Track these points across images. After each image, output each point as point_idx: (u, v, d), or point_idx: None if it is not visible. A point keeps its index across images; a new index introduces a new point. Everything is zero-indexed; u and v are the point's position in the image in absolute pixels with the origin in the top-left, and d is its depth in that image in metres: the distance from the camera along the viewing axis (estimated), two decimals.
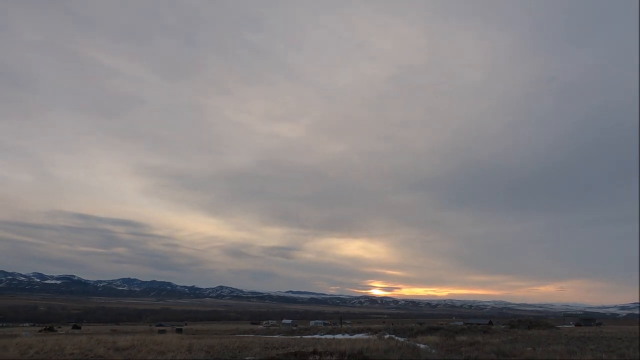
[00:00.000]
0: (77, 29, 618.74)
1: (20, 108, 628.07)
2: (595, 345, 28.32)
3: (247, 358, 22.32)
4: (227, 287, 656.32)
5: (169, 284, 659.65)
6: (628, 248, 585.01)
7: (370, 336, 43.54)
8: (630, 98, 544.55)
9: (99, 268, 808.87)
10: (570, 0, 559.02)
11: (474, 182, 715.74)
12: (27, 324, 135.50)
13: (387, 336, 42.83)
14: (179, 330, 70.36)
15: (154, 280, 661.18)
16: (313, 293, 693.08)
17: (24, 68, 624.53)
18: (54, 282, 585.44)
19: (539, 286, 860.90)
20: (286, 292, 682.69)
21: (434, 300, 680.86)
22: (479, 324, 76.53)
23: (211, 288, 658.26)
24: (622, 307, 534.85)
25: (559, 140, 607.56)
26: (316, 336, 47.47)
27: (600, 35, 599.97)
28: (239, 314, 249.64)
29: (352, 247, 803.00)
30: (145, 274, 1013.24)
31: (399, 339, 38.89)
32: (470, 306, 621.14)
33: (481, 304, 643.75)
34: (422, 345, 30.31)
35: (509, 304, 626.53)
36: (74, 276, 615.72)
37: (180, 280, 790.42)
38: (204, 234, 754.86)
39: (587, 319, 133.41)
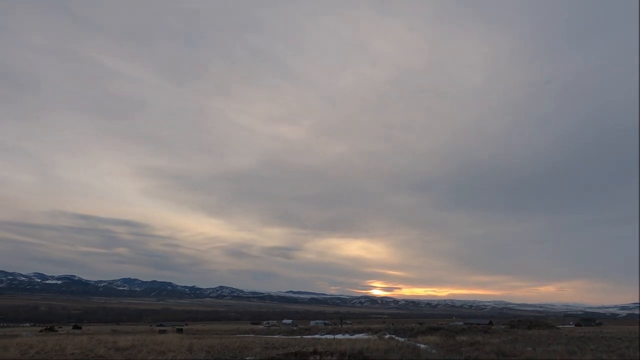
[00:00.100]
0: (79, 30, 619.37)
1: (22, 109, 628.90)
2: (596, 345, 28.35)
3: (247, 358, 22.36)
4: (227, 287, 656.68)
5: (170, 284, 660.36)
6: (628, 248, 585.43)
7: (371, 336, 43.59)
8: (630, 98, 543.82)
9: (99, 268, 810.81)
10: (570, 1, 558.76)
11: (474, 183, 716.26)
12: (28, 324, 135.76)
13: (387, 336, 42.88)
14: (180, 330, 70.43)
15: (155, 281, 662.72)
16: (313, 293, 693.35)
17: (26, 69, 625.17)
18: (54, 282, 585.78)
19: (539, 286, 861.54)
20: (286, 292, 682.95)
21: (434, 301, 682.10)
22: (479, 324, 76.58)
23: (212, 288, 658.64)
24: (622, 307, 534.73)
25: (559, 141, 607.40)
26: (316, 336, 47.51)
27: (600, 36, 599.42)
28: (239, 314, 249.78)
29: (353, 248, 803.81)
30: (146, 274, 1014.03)
31: (399, 339, 38.93)
32: (471, 306, 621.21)
33: (481, 304, 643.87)
34: (422, 345, 30.34)
35: (509, 304, 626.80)
36: (75, 276, 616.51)
37: (181, 280, 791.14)
38: (205, 235, 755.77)
39: (587, 319, 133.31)
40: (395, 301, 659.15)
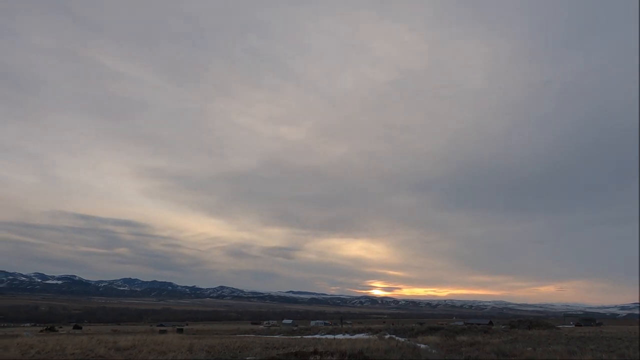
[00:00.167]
0: (79, 31, 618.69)
1: (22, 109, 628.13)
2: (595, 345, 28.36)
3: (247, 358, 22.39)
4: (227, 288, 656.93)
5: (170, 284, 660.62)
6: (628, 248, 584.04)
7: (371, 336, 43.63)
8: (630, 98, 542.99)
9: (100, 268, 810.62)
10: (570, 1, 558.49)
11: (474, 183, 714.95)
12: (28, 324, 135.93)
13: (387, 336, 42.92)
14: (180, 330, 70.47)
15: (155, 281, 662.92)
16: (314, 293, 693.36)
17: (26, 69, 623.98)
18: (55, 282, 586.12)
19: (539, 286, 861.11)
20: (287, 292, 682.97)
21: (434, 301, 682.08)
22: (479, 324, 76.62)
23: (212, 288, 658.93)
24: (622, 307, 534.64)
25: (559, 141, 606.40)
26: (317, 336, 47.56)
27: (600, 36, 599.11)
28: (239, 314, 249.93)
29: (353, 248, 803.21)
30: (146, 274, 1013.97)
31: (400, 339, 38.97)
32: (471, 306, 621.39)
33: (481, 304, 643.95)
34: (422, 346, 30.37)
35: (509, 304, 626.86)
36: (75, 276, 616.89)
37: (181, 280, 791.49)
38: (205, 235, 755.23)
39: (587, 319, 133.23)
40: (395, 301, 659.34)
